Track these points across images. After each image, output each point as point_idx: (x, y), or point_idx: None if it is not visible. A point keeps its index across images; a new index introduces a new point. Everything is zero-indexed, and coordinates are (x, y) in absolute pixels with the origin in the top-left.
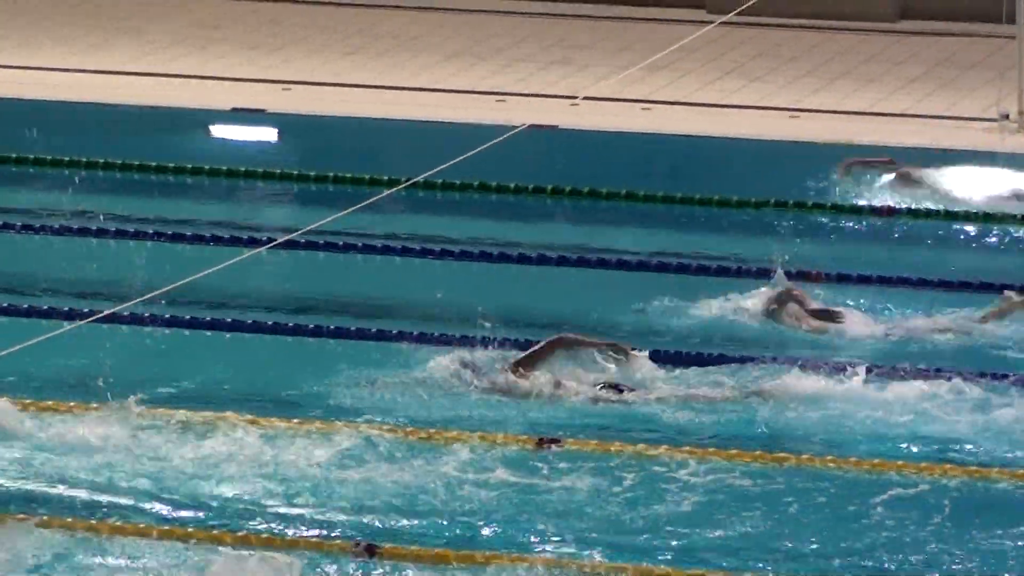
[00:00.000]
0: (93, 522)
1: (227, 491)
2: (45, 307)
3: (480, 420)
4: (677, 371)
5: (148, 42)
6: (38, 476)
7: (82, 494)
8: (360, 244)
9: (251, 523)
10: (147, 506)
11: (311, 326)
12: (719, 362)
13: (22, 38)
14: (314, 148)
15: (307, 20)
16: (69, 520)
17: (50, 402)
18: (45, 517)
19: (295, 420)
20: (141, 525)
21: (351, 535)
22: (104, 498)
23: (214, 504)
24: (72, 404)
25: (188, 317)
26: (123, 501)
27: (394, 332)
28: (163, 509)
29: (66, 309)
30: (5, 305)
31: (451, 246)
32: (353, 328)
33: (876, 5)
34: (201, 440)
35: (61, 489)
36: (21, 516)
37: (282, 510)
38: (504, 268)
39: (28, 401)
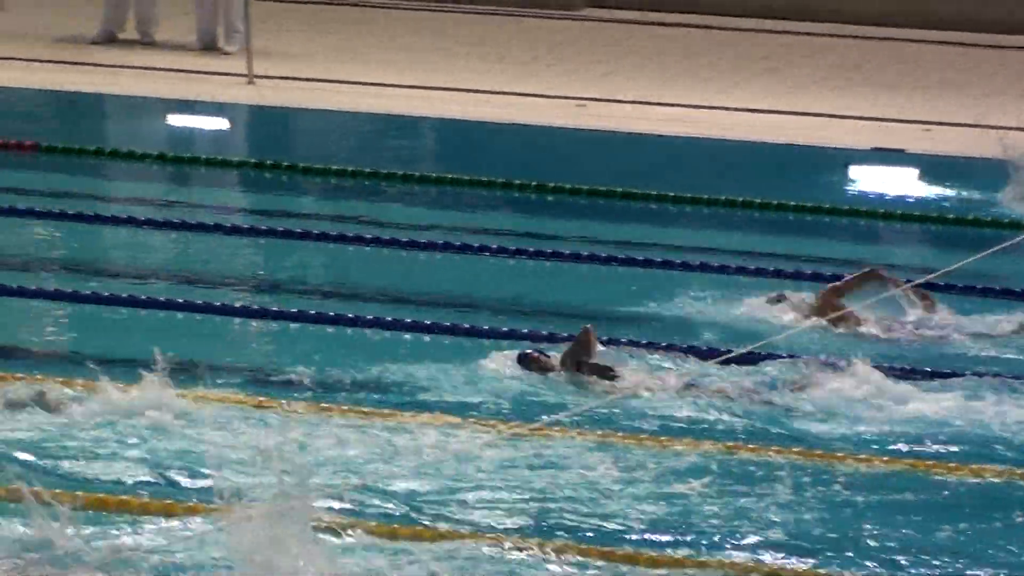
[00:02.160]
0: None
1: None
2: (682, 345)
3: None
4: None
5: (783, 81)
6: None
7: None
8: (998, 288)
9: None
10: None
11: (949, 371)
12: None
13: (669, 77)
14: (953, 189)
15: (947, 62)
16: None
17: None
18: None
19: None
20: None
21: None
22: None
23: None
24: None
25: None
26: None
27: None
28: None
29: (704, 348)
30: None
31: None
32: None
33: None
34: None
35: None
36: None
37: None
38: None
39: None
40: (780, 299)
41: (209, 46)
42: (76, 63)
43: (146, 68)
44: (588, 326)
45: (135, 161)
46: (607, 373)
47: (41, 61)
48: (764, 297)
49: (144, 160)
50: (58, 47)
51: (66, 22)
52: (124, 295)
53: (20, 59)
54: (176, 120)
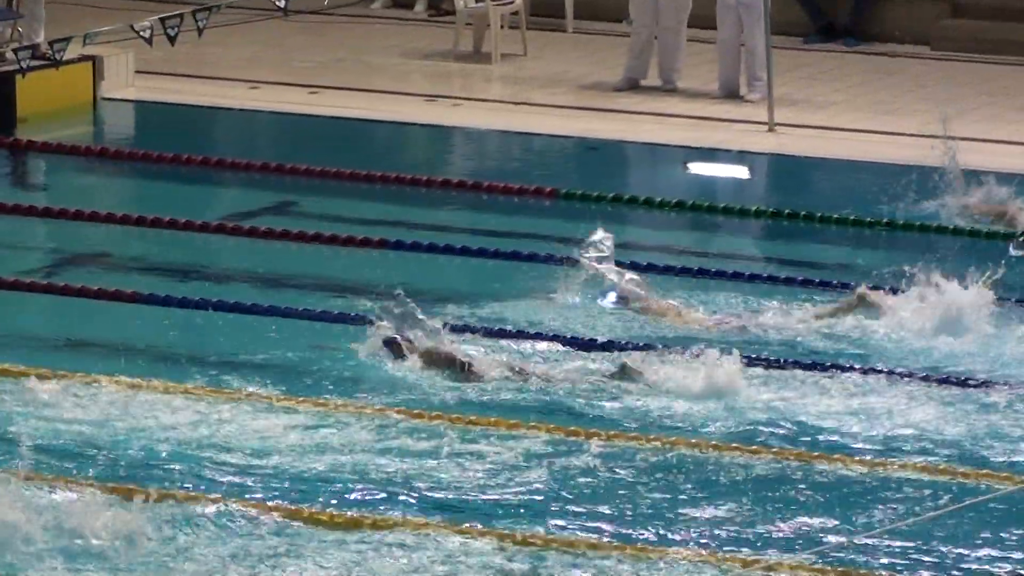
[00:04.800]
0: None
1: None
2: None
3: None
4: None
5: None
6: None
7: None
8: None
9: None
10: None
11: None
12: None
13: None
14: None
15: None
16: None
17: None
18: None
19: None
20: None
21: None
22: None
23: None
24: None
25: None
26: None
27: None
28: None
29: None
30: None
31: None
32: None
33: None
34: None
35: None
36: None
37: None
38: None
39: None
40: None
41: (731, 94)
42: (599, 109)
43: (667, 115)
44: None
45: (654, 209)
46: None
47: (565, 107)
48: None
49: (663, 208)
50: (582, 94)
51: (591, 69)
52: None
53: (545, 105)
54: (696, 168)
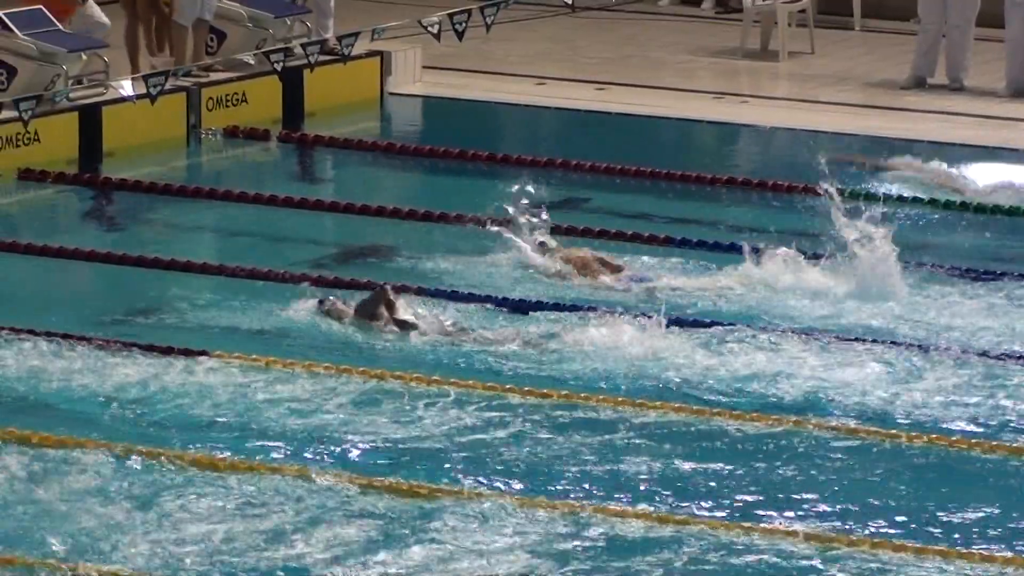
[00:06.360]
0: None
1: None
2: None
3: None
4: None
5: None
6: None
7: None
8: None
9: None
10: None
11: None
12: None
13: None
14: None
15: None
16: None
17: None
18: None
19: None
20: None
21: None
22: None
23: None
24: None
25: None
26: None
27: None
28: None
29: None
30: None
31: None
32: None
33: None
34: None
35: None
36: None
37: None
38: None
39: None
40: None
41: (1018, 92)
42: (885, 108)
43: (953, 114)
44: (386, 286)
45: (939, 209)
46: (407, 326)
47: (852, 105)
48: None
49: (948, 208)
50: (869, 91)
51: (877, 67)
52: None
53: (831, 103)
54: (979, 168)
